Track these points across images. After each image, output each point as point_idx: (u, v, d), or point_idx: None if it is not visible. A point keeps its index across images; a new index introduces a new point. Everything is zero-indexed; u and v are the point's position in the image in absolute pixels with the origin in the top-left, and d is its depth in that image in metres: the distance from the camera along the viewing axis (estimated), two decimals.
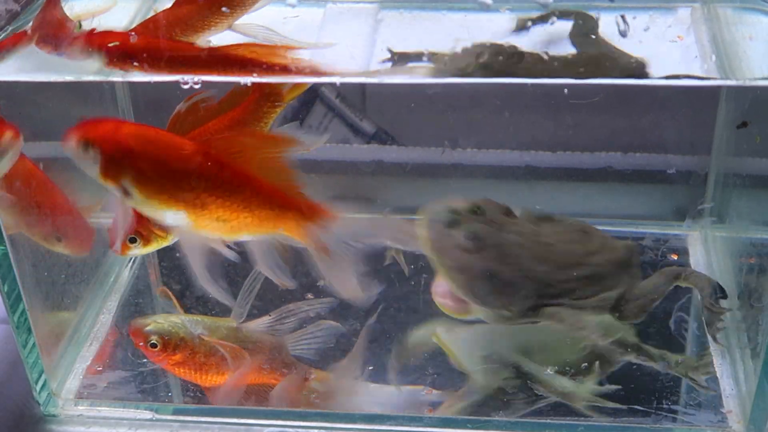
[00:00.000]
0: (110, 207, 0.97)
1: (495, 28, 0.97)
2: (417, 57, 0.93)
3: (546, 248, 1.02)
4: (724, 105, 1.20)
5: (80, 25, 1.00)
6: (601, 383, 1.00)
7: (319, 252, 0.92)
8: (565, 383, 1.00)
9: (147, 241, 0.98)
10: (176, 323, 1.05)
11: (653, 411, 1.04)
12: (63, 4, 1.04)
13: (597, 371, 1.00)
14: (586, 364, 1.00)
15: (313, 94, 1.34)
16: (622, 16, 0.94)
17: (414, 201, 1.07)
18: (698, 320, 1.12)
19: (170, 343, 1.04)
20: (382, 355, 1.12)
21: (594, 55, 0.93)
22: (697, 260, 1.25)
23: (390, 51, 0.96)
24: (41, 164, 1.04)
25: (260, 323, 1.06)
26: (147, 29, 0.95)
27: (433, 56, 0.91)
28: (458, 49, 0.91)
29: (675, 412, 1.04)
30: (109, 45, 0.91)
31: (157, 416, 1.07)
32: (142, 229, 0.97)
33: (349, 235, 0.91)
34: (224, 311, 1.06)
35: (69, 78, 0.99)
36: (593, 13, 0.95)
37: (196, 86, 0.94)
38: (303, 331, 1.06)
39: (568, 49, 0.94)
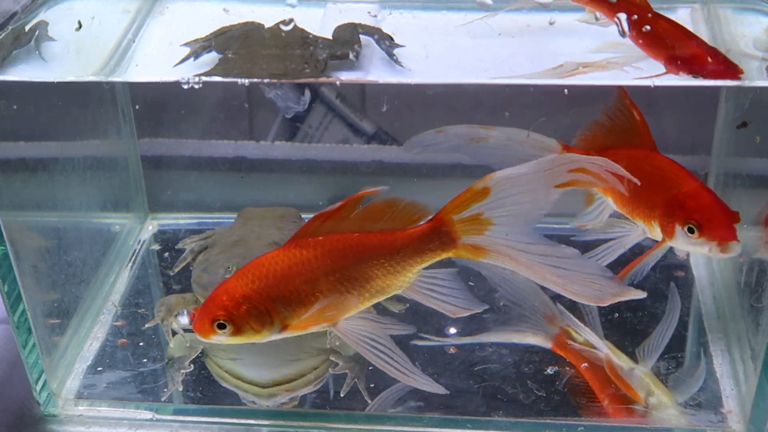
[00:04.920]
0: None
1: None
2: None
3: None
4: (724, 105, 1.20)
5: (80, 25, 1.00)
6: None
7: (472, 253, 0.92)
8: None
9: (238, 332, 0.92)
10: None
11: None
12: (62, 5, 1.04)
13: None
14: None
15: (313, 94, 1.35)
16: (618, 17, 0.94)
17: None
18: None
19: None
20: None
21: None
22: (697, 260, 1.25)
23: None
24: None
25: None
26: None
27: None
28: None
29: None
30: None
31: (157, 416, 1.07)
32: (237, 318, 0.91)
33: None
34: None
35: (69, 78, 0.99)
36: None
37: (197, 86, 0.95)
38: None
39: None
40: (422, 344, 1.12)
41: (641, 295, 0.92)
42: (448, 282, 0.96)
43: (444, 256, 0.94)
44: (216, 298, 0.92)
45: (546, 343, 1.12)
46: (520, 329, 1.14)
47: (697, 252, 0.95)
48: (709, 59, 0.91)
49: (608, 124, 1.04)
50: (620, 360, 1.08)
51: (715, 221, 0.95)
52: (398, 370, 0.96)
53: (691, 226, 0.95)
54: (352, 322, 0.95)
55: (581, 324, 1.12)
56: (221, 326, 0.91)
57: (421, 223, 0.93)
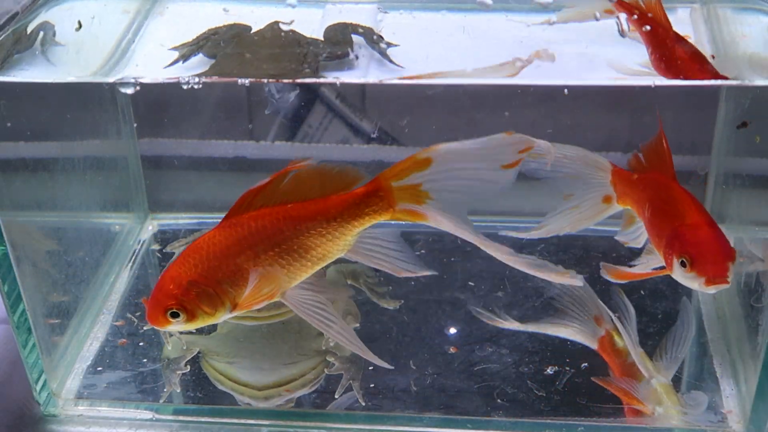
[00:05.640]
0: None
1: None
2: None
3: None
4: (724, 105, 1.20)
5: (80, 25, 1.00)
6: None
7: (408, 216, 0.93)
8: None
9: (192, 317, 0.92)
10: None
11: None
12: (62, 5, 1.04)
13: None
14: None
15: (313, 94, 1.35)
16: (618, 17, 0.94)
17: None
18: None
19: None
20: (382, 355, 1.12)
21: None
22: None
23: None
24: None
25: None
26: None
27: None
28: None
29: None
30: None
31: (157, 416, 1.07)
32: (188, 304, 0.91)
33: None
34: None
35: (69, 79, 0.99)
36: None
37: (197, 87, 0.95)
38: None
39: None
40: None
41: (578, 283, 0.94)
42: (390, 243, 0.96)
43: (381, 219, 0.94)
44: (163, 287, 0.91)
45: (592, 343, 1.12)
46: (569, 324, 1.14)
47: (690, 286, 0.96)
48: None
49: (655, 149, 1.05)
50: (645, 368, 1.08)
51: (706, 258, 0.94)
52: (344, 338, 0.97)
53: (683, 259, 0.95)
54: (297, 291, 0.96)
55: (622, 327, 1.12)
56: (174, 314, 0.91)
57: (358, 186, 0.93)
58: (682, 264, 0.94)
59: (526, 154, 0.89)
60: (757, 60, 0.95)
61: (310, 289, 0.97)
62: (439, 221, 0.92)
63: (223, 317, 0.93)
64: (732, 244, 0.96)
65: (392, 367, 1.03)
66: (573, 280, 0.94)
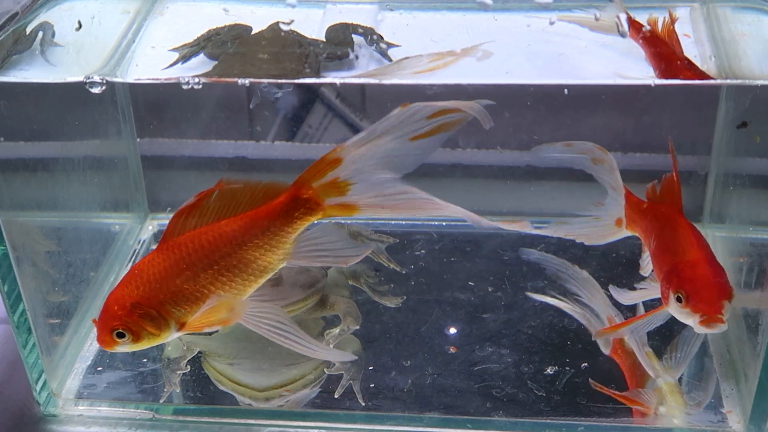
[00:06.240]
0: None
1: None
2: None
3: None
4: (724, 105, 1.20)
5: (80, 25, 1.00)
6: None
7: (346, 211, 0.93)
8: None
9: (137, 338, 0.94)
10: None
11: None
12: (62, 5, 1.04)
13: None
14: None
15: (313, 94, 1.35)
16: (618, 17, 0.94)
17: None
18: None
19: None
20: (382, 355, 1.12)
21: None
22: None
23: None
24: None
25: None
26: None
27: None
28: None
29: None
30: None
31: (157, 416, 1.07)
32: (132, 325, 0.93)
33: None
34: None
35: (69, 79, 0.99)
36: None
37: (197, 87, 0.95)
38: None
39: None
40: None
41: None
42: (327, 237, 0.96)
43: (313, 219, 0.94)
44: (109, 309, 0.93)
45: (605, 346, 1.12)
46: (591, 317, 1.15)
47: (685, 322, 0.96)
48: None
49: (668, 181, 1.05)
50: (651, 367, 1.08)
51: (702, 295, 0.94)
52: (304, 346, 0.97)
53: (679, 295, 0.94)
54: (249, 307, 0.96)
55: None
56: (120, 335, 0.93)
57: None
58: (678, 299, 0.94)
59: (441, 120, 0.90)
60: None
61: (261, 300, 0.97)
62: (370, 202, 0.92)
63: (170, 337, 0.94)
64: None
65: (356, 358, 1.05)
66: (524, 226, 0.94)
